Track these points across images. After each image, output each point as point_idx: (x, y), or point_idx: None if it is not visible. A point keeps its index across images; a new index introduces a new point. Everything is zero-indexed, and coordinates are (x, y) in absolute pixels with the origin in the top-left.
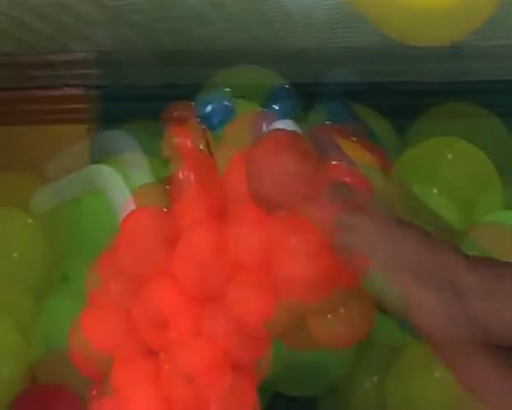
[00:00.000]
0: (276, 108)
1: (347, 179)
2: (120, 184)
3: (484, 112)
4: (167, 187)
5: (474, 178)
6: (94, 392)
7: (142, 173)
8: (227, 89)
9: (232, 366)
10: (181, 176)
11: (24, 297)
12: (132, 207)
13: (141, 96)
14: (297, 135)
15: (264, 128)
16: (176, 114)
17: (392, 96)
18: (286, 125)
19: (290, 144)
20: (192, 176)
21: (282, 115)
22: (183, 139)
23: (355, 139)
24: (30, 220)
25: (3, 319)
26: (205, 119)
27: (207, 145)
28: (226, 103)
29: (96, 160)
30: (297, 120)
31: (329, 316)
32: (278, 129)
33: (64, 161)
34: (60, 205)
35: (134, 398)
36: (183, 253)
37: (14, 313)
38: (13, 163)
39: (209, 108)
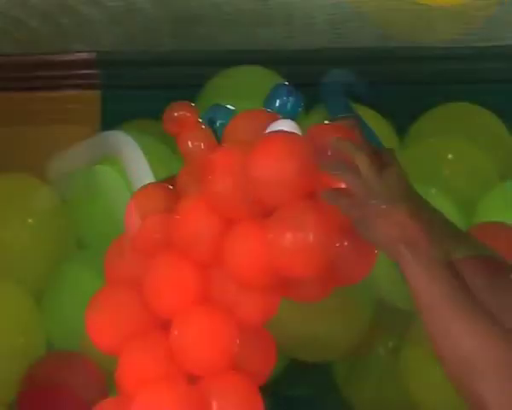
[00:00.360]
0: (277, 105)
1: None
2: (135, 150)
3: (484, 112)
4: (170, 187)
5: (473, 178)
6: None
7: (142, 173)
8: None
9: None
10: (184, 177)
11: (24, 295)
12: (148, 173)
13: (141, 96)
14: (294, 137)
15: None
16: (175, 115)
17: (392, 96)
18: (285, 125)
19: (286, 149)
20: (195, 176)
21: (284, 113)
22: (185, 140)
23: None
24: (30, 220)
25: (3, 319)
26: (208, 124)
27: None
28: (230, 107)
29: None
30: (299, 118)
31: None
32: (276, 131)
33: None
34: (75, 172)
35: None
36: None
37: (14, 312)
38: (12, 163)
39: (212, 112)
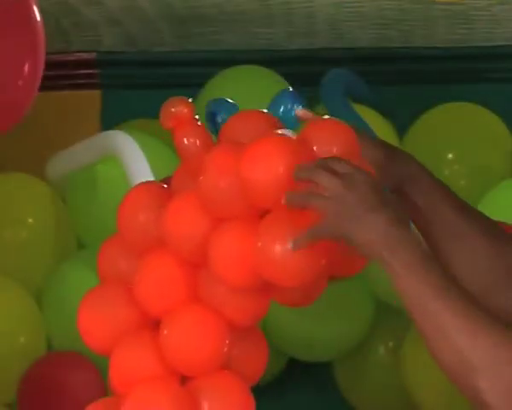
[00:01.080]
0: (281, 111)
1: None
2: (135, 150)
3: (484, 112)
4: (165, 185)
5: (474, 178)
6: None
7: (142, 173)
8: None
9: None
10: (179, 175)
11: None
12: (148, 172)
13: (141, 96)
14: (287, 139)
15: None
16: (172, 110)
17: (392, 96)
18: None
19: (279, 151)
20: (189, 174)
21: (288, 119)
22: (181, 136)
23: None
24: (30, 220)
25: (3, 319)
26: (210, 119)
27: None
28: (230, 101)
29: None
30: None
31: None
32: (269, 133)
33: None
34: (74, 172)
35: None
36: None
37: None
38: (12, 163)
39: (212, 106)
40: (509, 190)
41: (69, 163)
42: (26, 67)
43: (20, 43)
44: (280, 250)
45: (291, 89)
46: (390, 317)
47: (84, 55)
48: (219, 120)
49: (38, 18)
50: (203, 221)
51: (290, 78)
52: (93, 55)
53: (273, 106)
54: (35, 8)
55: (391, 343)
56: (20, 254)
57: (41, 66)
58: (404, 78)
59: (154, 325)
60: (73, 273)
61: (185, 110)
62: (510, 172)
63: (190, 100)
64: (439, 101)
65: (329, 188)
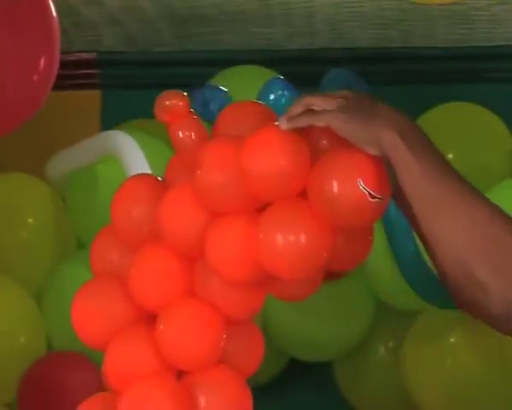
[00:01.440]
0: (271, 99)
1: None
2: (135, 149)
3: (484, 112)
4: (160, 178)
5: (474, 178)
6: None
7: (142, 172)
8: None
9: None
10: (173, 167)
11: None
12: (147, 171)
13: (141, 96)
14: (288, 132)
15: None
16: (167, 103)
17: (392, 96)
18: None
19: (282, 141)
20: (184, 166)
21: (278, 107)
22: (176, 130)
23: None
24: (30, 220)
25: (3, 319)
26: (202, 106)
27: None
28: (222, 89)
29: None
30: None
31: None
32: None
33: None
34: (74, 171)
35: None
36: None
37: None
38: (12, 163)
39: (206, 94)
40: (509, 190)
41: (69, 163)
42: (42, 62)
43: (35, 37)
44: (282, 241)
45: (281, 77)
46: (390, 317)
47: (84, 55)
48: (212, 107)
49: (54, 12)
50: (200, 214)
51: (290, 78)
52: (93, 55)
53: (263, 94)
54: (50, 2)
55: (391, 343)
56: (20, 254)
57: (56, 61)
58: (404, 78)
59: (149, 319)
60: (73, 273)
61: (180, 103)
62: (510, 172)
63: (186, 93)
64: (439, 101)
65: (331, 103)
